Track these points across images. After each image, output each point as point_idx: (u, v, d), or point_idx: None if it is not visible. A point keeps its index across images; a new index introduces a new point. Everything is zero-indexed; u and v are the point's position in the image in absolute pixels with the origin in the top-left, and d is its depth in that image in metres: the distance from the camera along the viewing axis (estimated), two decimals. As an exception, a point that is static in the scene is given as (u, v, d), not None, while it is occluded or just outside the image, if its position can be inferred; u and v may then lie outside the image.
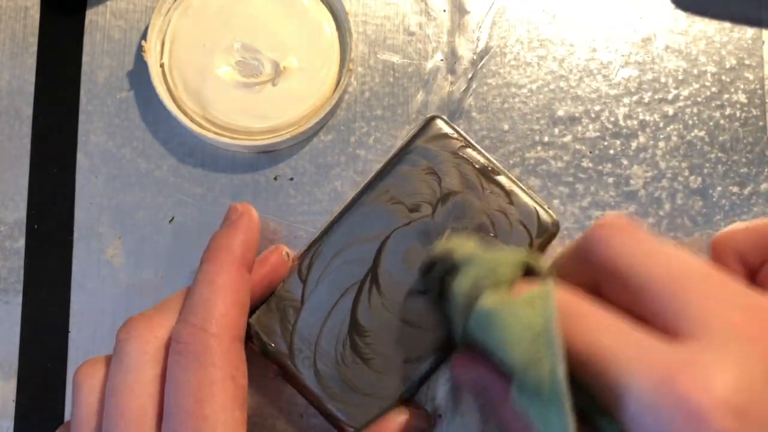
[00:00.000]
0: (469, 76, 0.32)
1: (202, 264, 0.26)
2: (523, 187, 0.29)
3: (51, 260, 0.31)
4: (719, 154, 0.31)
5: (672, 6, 0.33)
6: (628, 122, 0.32)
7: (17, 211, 0.31)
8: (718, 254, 0.25)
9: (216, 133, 0.31)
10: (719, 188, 0.31)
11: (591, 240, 0.22)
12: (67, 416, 0.30)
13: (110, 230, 0.31)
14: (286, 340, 0.28)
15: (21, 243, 0.31)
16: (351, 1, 0.32)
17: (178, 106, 0.31)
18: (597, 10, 0.33)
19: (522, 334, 0.20)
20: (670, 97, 0.32)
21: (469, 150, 0.30)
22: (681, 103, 0.32)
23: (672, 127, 0.32)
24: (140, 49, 0.32)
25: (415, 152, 0.30)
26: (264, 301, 0.28)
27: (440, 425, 0.30)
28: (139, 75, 0.32)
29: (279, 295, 0.29)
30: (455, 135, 0.30)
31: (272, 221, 0.31)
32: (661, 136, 0.31)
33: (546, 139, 0.32)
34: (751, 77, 0.32)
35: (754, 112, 0.32)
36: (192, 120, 0.31)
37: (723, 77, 0.32)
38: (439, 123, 0.30)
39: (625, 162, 0.31)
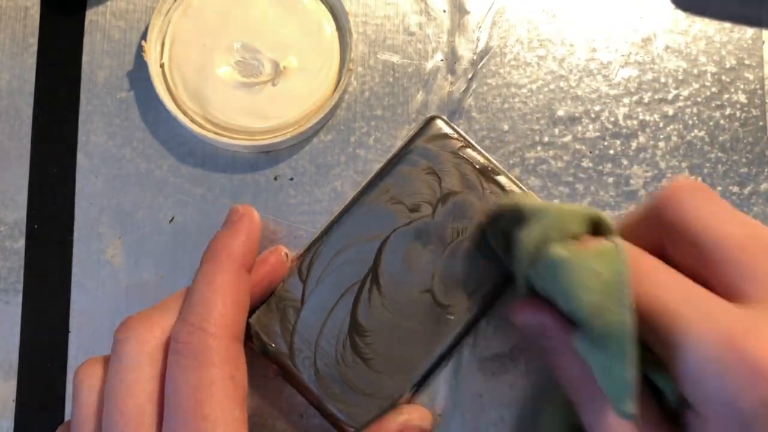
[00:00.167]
0: (469, 76, 0.32)
1: (202, 264, 0.26)
2: (523, 187, 0.29)
3: (51, 260, 0.31)
4: (719, 154, 0.31)
5: (672, 6, 0.33)
6: (628, 122, 0.32)
7: (17, 211, 0.31)
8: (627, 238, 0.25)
9: (216, 133, 0.31)
10: (719, 188, 0.31)
11: (664, 200, 0.22)
12: (67, 416, 0.30)
13: (110, 230, 0.31)
14: (286, 340, 0.28)
15: (21, 243, 0.31)
16: (351, 1, 0.32)
17: (178, 106, 0.31)
18: (597, 10, 0.33)
19: (592, 283, 0.21)
20: (670, 97, 0.32)
21: (469, 150, 0.30)
22: (681, 103, 0.32)
23: (672, 127, 0.32)
24: (140, 49, 0.32)
25: (415, 152, 0.30)
26: (264, 301, 0.28)
27: (440, 425, 0.30)
28: (139, 75, 0.32)
29: (279, 295, 0.29)
30: (455, 135, 0.30)
31: (272, 221, 0.31)
32: (661, 136, 0.31)
33: (546, 139, 0.32)
34: (751, 77, 0.32)
35: (754, 112, 0.32)
36: (192, 120, 0.31)
37: (723, 77, 0.32)
38: (439, 123, 0.30)
39: (625, 162, 0.31)
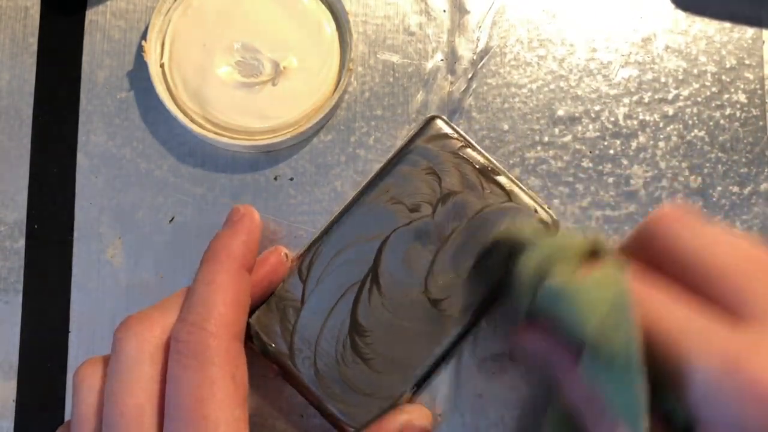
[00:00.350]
0: (469, 76, 0.32)
1: (202, 264, 0.26)
2: (523, 187, 0.29)
3: (51, 260, 0.31)
4: (719, 154, 0.31)
5: (672, 6, 0.33)
6: (628, 122, 0.32)
7: (17, 211, 0.31)
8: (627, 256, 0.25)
9: (216, 133, 0.31)
10: (719, 188, 0.31)
11: (652, 229, 0.23)
12: (67, 416, 0.30)
13: (110, 230, 0.31)
14: (287, 340, 0.28)
15: (21, 243, 0.31)
16: (351, 0, 0.32)
17: (178, 106, 0.31)
18: (597, 10, 0.33)
19: (596, 307, 0.21)
20: (670, 97, 0.32)
21: (469, 150, 0.30)
22: (681, 103, 0.32)
23: (672, 127, 0.32)
24: (140, 49, 0.32)
25: (415, 152, 0.30)
26: (264, 301, 0.28)
27: (440, 425, 0.30)
28: (139, 75, 0.32)
29: (279, 295, 0.29)
30: (455, 135, 0.30)
31: (272, 221, 0.31)
32: (661, 136, 0.31)
33: (546, 139, 0.32)
34: (751, 77, 0.32)
35: (754, 112, 0.32)
36: (192, 120, 0.31)
37: (723, 77, 0.32)
38: (439, 123, 0.30)
39: (625, 162, 0.31)
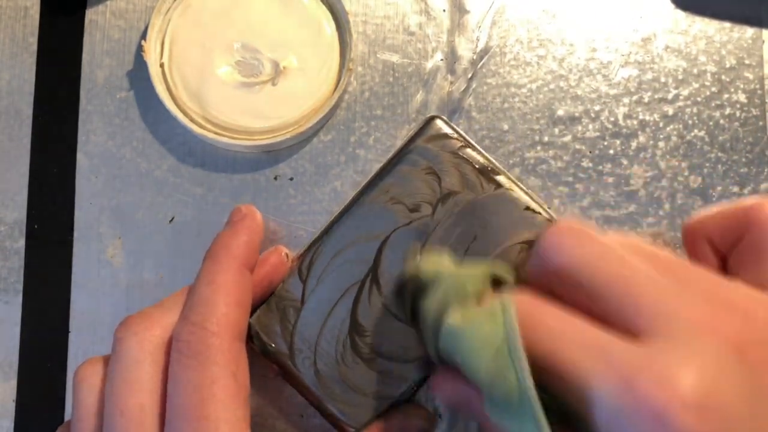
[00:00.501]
0: (469, 75, 0.32)
1: (203, 264, 0.26)
2: (523, 187, 0.29)
3: (51, 260, 0.31)
4: (719, 154, 0.31)
5: (672, 6, 0.33)
6: (628, 122, 0.32)
7: (17, 211, 0.31)
8: (690, 242, 0.24)
9: (216, 133, 0.31)
10: (719, 188, 0.31)
11: (542, 248, 0.22)
12: (67, 416, 0.30)
13: (110, 230, 0.31)
14: (287, 340, 0.28)
15: (21, 243, 0.31)
16: (351, 0, 0.32)
17: (178, 106, 0.31)
18: (597, 9, 0.32)
19: (485, 348, 0.20)
20: (669, 96, 0.32)
21: (468, 150, 0.30)
22: (681, 103, 0.32)
23: (672, 126, 0.32)
24: (140, 49, 0.32)
25: (415, 152, 0.29)
26: (264, 301, 0.28)
27: (440, 425, 0.30)
28: (138, 75, 0.32)
29: (279, 295, 0.29)
30: (455, 135, 0.30)
31: (272, 221, 0.31)
32: (661, 136, 0.31)
33: (546, 138, 0.32)
34: (750, 77, 0.32)
35: (754, 111, 0.32)
36: (192, 120, 0.31)
37: (723, 77, 0.32)
38: (439, 123, 0.30)
39: (624, 162, 0.31)
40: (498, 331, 0.20)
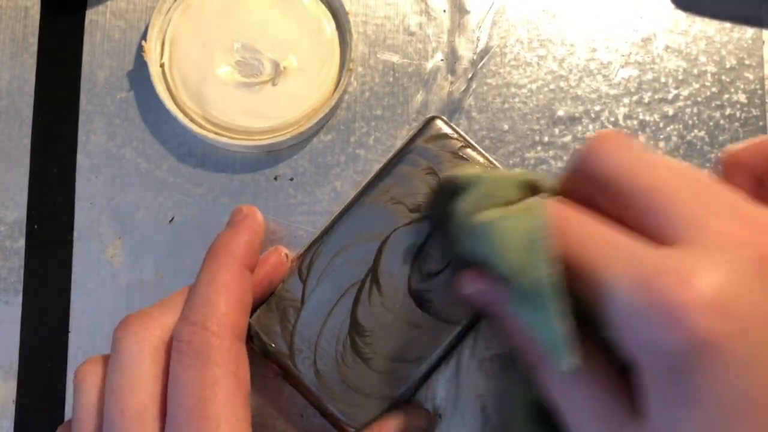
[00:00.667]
0: (469, 76, 0.32)
1: (204, 263, 0.26)
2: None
3: (51, 260, 0.31)
4: (720, 155, 0.31)
5: (672, 6, 0.32)
6: (628, 122, 0.32)
7: (17, 211, 0.31)
8: (729, 170, 0.24)
9: (216, 133, 0.31)
10: (719, 188, 0.31)
11: (584, 153, 0.22)
12: (67, 416, 0.30)
13: (110, 230, 0.31)
14: (287, 340, 0.28)
15: (21, 243, 0.31)
16: (351, 0, 0.32)
17: (178, 106, 0.31)
18: (597, 10, 0.32)
19: (515, 240, 0.21)
20: (670, 97, 0.32)
21: (469, 150, 0.30)
22: (681, 103, 0.32)
23: (672, 127, 0.32)
24: (140, 49, 0.32)
25: (415, 152, 0.29)
26: (264, 301, 0.28)
27: (440, 425, 0.30)
28: (139, 75, 0.32)
29: (279, 295, 0.28)
30: (455, 135, 0.30)
31: (272, 221, 0.31)
32: (661, 137, 0.31)
33: (546, 139, 0.31)
34: (751, 77, 0.32)
35: (754, 112, 0.32)
36: (192, 120, 0.31)
37: (723, 77, 0.32)
38: (439, 123, 0.30)
39: (625, 162, 0.31)
40: (530, 225, 0.20)
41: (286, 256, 0.29)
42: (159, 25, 0.31)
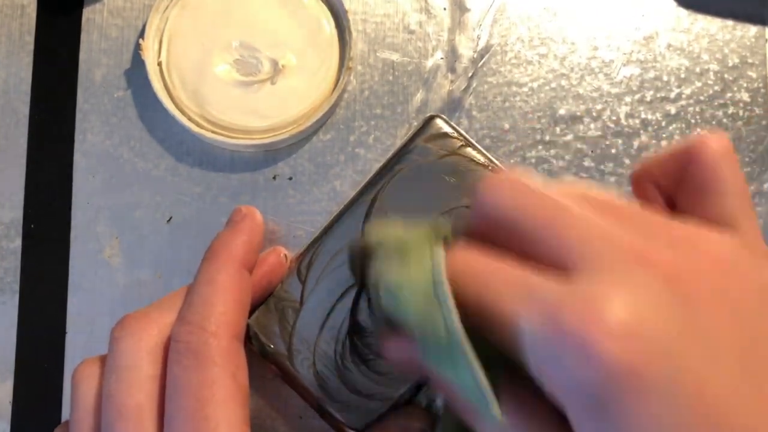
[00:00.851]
0: (470, 74, 0.32)
1: (202, 263, 0.26)
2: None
3: (48, 260, 0.31)
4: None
5: (674, 4, 0.32)
6: (630, 121, 0.31)
7: (14, 210, 0.31)
8: (637, 188, 0.24)
9: (214, 132, 0.30)
10: (722, 188, 0.31)
11: (478, 197, 0.21)
12: (64, 417, 0.30)
13: (107, 230, 0.31)
14: (285, 340, 0.28)
15: (17, 243, 0.31)
16: (350, -2, 0.32)
17: (176, 105, 0.31)
18: (598, 7, 0.32)
19: (415, 295, 0.20)
20: (672, 95, 0.32)
21: (469, 149, 0.29)
22: (683, 102, 0.31)
23: (674, 126, 0.31)
24: (138, 48, 0.32)
25: (414, 151, 0.29)
26: (262, 302, 0.28)
27: (440, 426, 0.29)
28: (136, 74, 0.32)
29: (278, 296, 0.28)
30: (455, 134, 0.29)
31: (271, 221, 0.31)
32: (664, 135, 0.31)
33: (547, 138, 0.31)
34: (754, 75, 0.32)
35: (757, 110, 0.31)
36: (190, 119, 0.31)
37: (726, 75, 0.32)
38: (439, 122, 0.30)
39: (627, 161, 0.31)
40: (426, 277, 0.20)
41: (285, 256, 0.29)
42: (156, 24, 0.31)
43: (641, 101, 0.31)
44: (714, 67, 0.32)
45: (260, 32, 0.31)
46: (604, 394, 0.16)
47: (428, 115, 0.30)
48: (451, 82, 0.32)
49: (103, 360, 0.25)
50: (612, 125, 0.31)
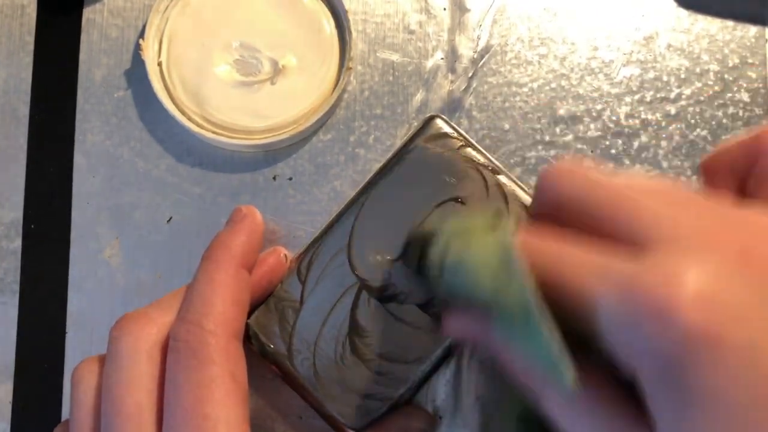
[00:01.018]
0: (470, 74, 0.32)
1: (202, 263, 0.26)
2: (524, 186, 0.29)
3: (48, 260, 0.31)
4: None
5: (674, 4, 0.32)
6: (630, 121, 0.31)
7: (14, 210, 0.31)
8: (707, 177, 0.24)
9: (214, 133, 0.30)
10: (722, 188, 0.31)
11: (542, 185, 0.22)
12: (64, 416, 0.30)
13: (108, 230, 0.31)
14: (285, 340, 0.28)
15: (18, 243, 0.31)
16: (350, -1, 0.32)
17: (176, 105, 0.31)
18: (598, 8, 0.32)
19: (489, 266, 0.20)
20: (672, 95, 0.32)
21: (469, 149, 0.29)
22: (683, 102, 0.31)
23: (674, 126, 0.31)
24: (138, 48, 0.32)
25: (415, 152, 0.29)
26: (262, 302, 0.28)
27: (441, 427, 0.29)
28: (136, 74, 0.32)
29: (278, 296, 0.28)
30: (455, 134, 0.29)
31: (271, 221, 0.31)
32: (664, 136, 0.31)
33: (547, 138, 0.31)
34: (754, 76, 0.32)
35: (757, 111, 0.31)
36: (190, 119, 0.31)
37: (726, 76, 0.32)
38: (439, 122, 0.30)
39: (627, 161, 0.31)
40: (501, 247, 0.20)
41: (285, 256, 0.29)
42: (157, 24, 0.31)
43: (641, 101, 0.31)
44: (714, 67, 0.32)
45: (260, 32, 0.31)
46: (682, 360, 0.16)
47: (428, 115, 0.30)
48: (451, 82, 0.32)
49: (103, 359, 0.25)
50: (612, 125, 0.31)
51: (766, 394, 0.16)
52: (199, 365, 0.23)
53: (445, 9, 0.32)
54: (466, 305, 0.23)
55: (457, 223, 0.24)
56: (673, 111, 0.31)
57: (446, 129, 0.30)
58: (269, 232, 0.31)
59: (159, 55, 0.31)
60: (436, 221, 0.25)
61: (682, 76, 0.32)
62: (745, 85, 0.32)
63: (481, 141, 0.31)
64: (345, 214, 0.29)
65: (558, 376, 0.19)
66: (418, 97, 0.32)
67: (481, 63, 0.32)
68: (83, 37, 0.32)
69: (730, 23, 0.32)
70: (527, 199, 0.29)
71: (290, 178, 0.31)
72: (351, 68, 0.31)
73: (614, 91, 0.32)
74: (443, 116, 0.30)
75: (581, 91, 0.32)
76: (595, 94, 0.32)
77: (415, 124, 0.31)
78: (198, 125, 0.30)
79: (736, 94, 0.31)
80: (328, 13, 0.32)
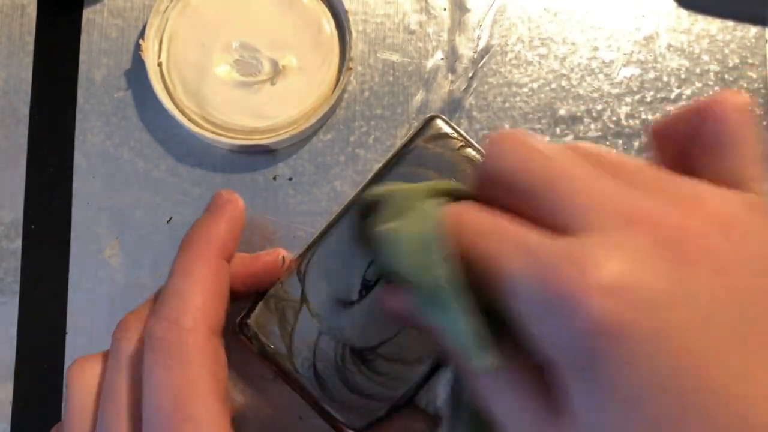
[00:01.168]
0: (470, 75, 0.32)
1: (179, 253, 0.25)
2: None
3: (48, 260, 0.31)
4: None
5: (674, 4, 0.32)
6: (630, 121, 0.31)
7: (14, 211, 0.31)
8: (655, 145, 0.23)
9: (214, 133, 0.30)
10: (722, 188, 0.31)
11: (485, 156, 0.21)
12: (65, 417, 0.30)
13: (108, 230, 0.31)
14: (285, 341, 0.28)
15: (18, 243, 0.31)
16: (350, -1, 0.32)
17: (176, 106, 0.31)
18: (599, 8, 0.32)
19: (411, 244, 0.20)
20: (672, 96, 0.32)
21: (469, 149, 0.29)
22: (684, 102, 0.31)
23: (674, 126, 0.31)
24: (138, 48, 0.32)
25: (414, 152, 0.29)
26: (254, 299, 0.28)
27: (441, 427, 0.29)
28: (136, 74, 0.32)
29: (278, 296, 0.28)
30: (455, 134, 0.29)
31: (271, 221, 0.31)
32: (664, 136, 0.31)
33: (547, 138, 0.31)
34: (754, 76, 0.32)
35: (757, 111, 0.31)
36: (190, 119, 0.31)
37: (726, 76, 0.32)
38: (439, 122, 0.30)
39: (627, 162, 0.31)
40: (424, 227, 0.20)
41: (284, 259, 0.28)
42: (157, 24, 0.31)
43: (641, 102, 0.31)
44: (714, 67, 0.32)
45: (260, 33, 0.31)
46: (592, 349, 0.16)
47: (428, 115, 0.30)
48: (452, 82, 0.32)
49: (97, 358, 0.25)
50: (612, 126, 0.31)
51: (671, 387, 0.16)
52: (177, 365, 0.22)
53: (445, 9, 0.32)
54: (396, 279, 0.22)
55: (399, 192, 0.23)
56: (673, 111, 0.31)
57: (446, 129, 0.30)
58: (269, 233, 0.31)
59: (159, 56, 0.31)
60: (380, 190, 0.24)
61: (683, 76, 0.32)
62: (745, 85, 0.32)
63: (481, 141, 0.31)
64: (345, 214, 0.29)
65: (474, 355, 0.19)
66: (418, 97, 0.32)
67: (481, 63, 0.32)
68: (83, 37, 0.32)
69: (730, 23, 0.32)
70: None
71: (290, 178, 0.31)
72: (351, 68, 0.31)
73: (614, 91, 0.32)
74: (443, 116, 0.30)
75: (581, 92, 0.32)
76: (596, 95, 0.32)
77: (415, 124, 0.31)
78: (198, 125, 0.30)
79: (737, 95, 0.31)
80: (328, 14, 0.32)
